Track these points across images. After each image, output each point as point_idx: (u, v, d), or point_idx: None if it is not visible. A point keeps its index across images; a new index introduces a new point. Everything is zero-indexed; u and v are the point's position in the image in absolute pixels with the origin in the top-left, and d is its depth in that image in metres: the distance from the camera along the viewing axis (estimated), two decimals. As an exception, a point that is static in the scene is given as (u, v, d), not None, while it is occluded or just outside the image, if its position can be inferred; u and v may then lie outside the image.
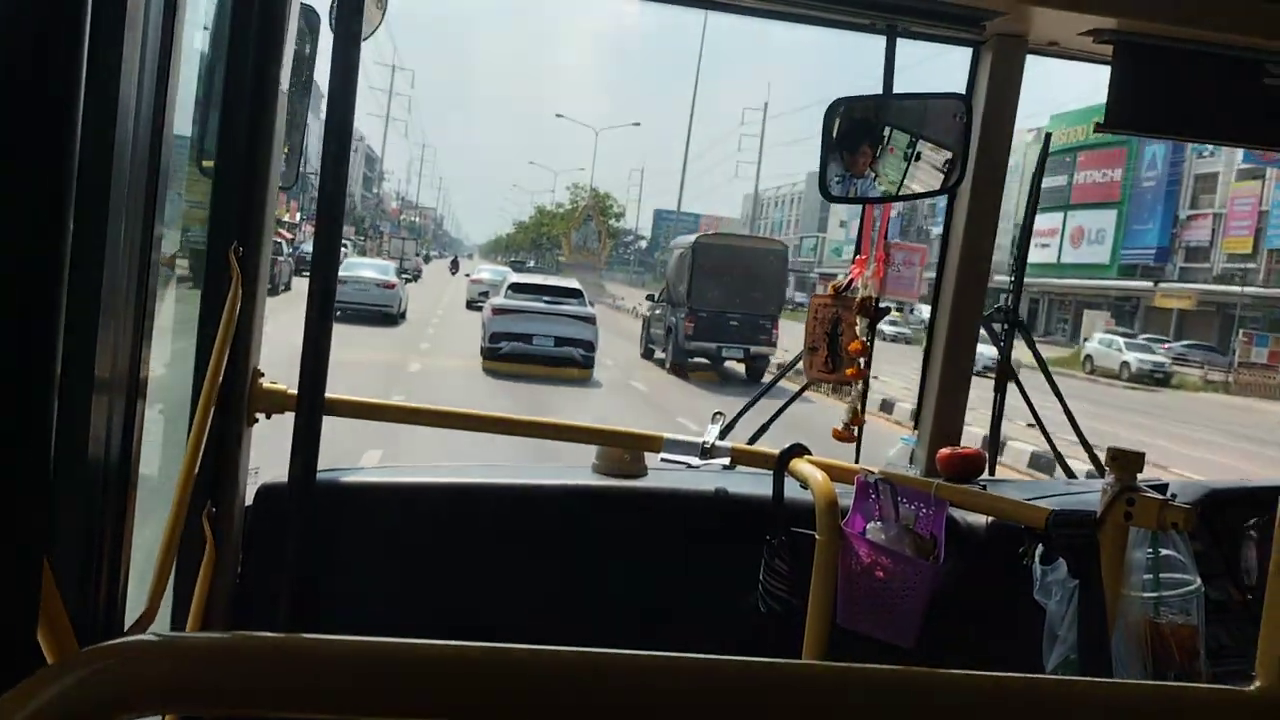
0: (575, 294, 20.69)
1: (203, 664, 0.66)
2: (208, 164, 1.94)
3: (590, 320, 19.23)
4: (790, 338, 15.37)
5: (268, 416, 2.04)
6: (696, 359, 20.41)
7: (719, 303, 19.92)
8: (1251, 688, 0.88)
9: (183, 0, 1.26)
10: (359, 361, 14.53)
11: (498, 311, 19.09)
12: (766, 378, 19.14)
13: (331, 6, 2.06)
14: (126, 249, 1.14)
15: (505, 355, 18.17)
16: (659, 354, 21.87)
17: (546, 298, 19.82)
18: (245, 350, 1.92)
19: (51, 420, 0.78)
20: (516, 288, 20.68)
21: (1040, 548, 1.97)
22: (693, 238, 22.73)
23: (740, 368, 20.64)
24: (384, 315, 24.63)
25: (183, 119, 1.49)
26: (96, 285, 1.04)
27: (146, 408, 1.30)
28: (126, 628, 1.35)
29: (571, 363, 18.38)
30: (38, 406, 0.76)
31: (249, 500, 2.10)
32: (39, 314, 0.76)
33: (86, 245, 0.98)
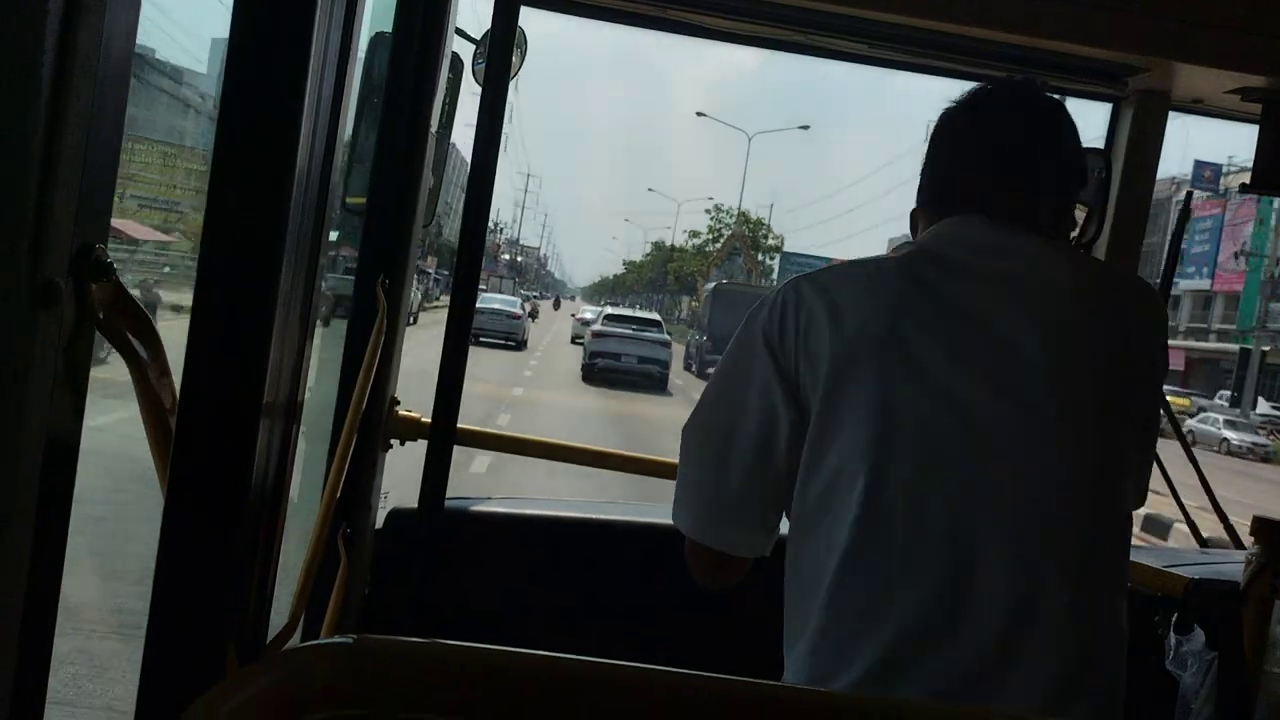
0: (655, 324, 27.41)
1: (400, 666, 0.70)
2: (352, 201, 2.04)
3: (666, 344, 25.76)
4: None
5: (402, 443, 2.11)
6: (711, 368, 25.77)
7: (729, 329, 22.64)
8: None
9: (355, 44, 1.34)
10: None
11: (596, 335, 25.42)
12: None
13: (475, 54, 2.15)
14: (295, 281, 1.21)
15: (601, 369, 24.10)
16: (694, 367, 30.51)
17: (633, 326, 26.24)
18: (385, 378, 2.00)
19: (254, 446, 0.83)
20: (610, 318, 27.60)
21: (1175, 617, 1.90)
22: (713, 284, 37.26)
23: None
24: (511, 340, 30.89)
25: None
26: (271, 315, 1.11)
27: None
28: (270, 639, 1.41)
29: (649, 376, 24.42)
30: (246, 431, 0.82)
31: (379, 523, 2.16)
32: (253, 341, 0.82)
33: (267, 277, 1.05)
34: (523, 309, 33.92)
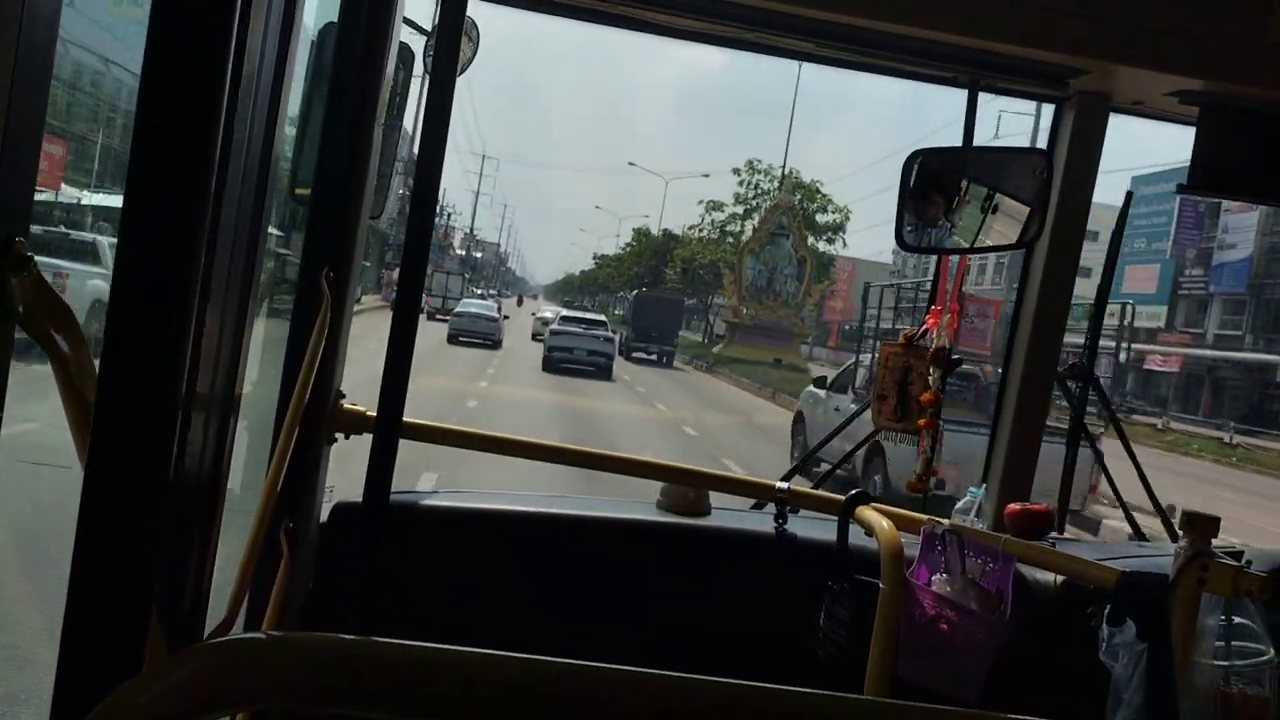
0: (602, 324, 33.86)
1: (317, 663, 0.70)
2: (300, 191, 2.02)
3: (610, 340, 32.66)
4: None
5: (346, 437, 2.10)
6: (636, 352, 39.80)
7: (645, 325, 40.26)
8: None
9: (296, 33, 1.33)
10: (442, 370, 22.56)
11: (553, 333, 32.45)
12: (683, 365, 41.07)
13: (426, 45, 2.14)
14: (232, 270, 1.20)
15: (557, 360, 30.38)
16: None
17: (584, 325, 32.78)
18: (329, 371, 1.99)
19: (174, 434, 0.83)
20: (565, 319, 34.55)
21: (1108, 609, 1.94)
22: (635, 292, 49.98)
23: (653, 358, 40.03)
24: (489, 341, 35.03)
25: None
26: (204, 304, 1.10)
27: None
28: (206, 633, 1.40)
29: (596, 365, 30.87)
30: (165, 419, 0.81)
31: (324, 517, 2.15)
32: (173, 328, 0.81)
33: (202, 265, 1.04)
34: (498, 313, 38.44)
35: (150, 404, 0.86)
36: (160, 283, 0.86)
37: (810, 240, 45.17)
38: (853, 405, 12.69)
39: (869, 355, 13.70)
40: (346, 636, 0.73)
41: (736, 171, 50.62)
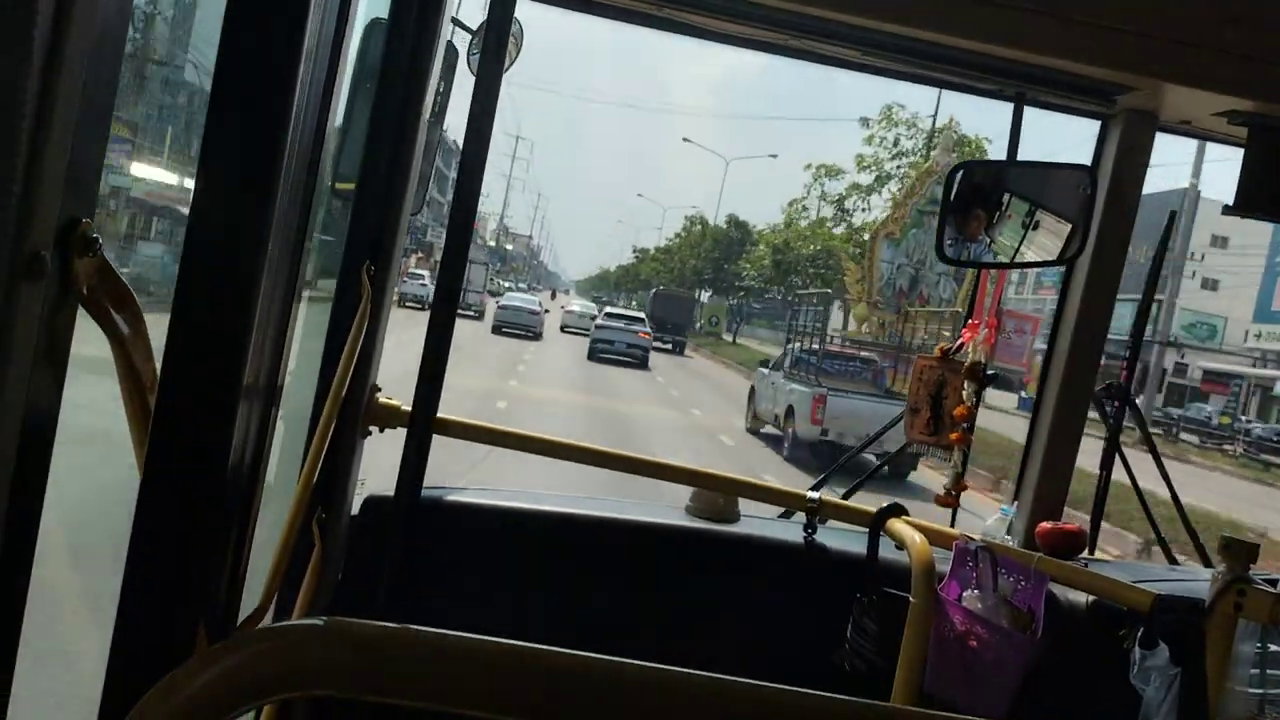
0: (640, 320, 37.96)
1: (371, 650, 0.70)
2: (341, 186, 2.04)
3: (648, 334, 36.52)
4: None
5: (381, 430, 2.11)
6: (655, 343, 40.01)
7: (663, 318, 44.27)
8: None
9: (350, 31, 1.34)
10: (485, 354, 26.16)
11: (598, 328, 36.26)
12: (693, 353, 47.15)
13: (471, 44, 2.15)
14: (279, 263, 1.21)
15: (600, 351, 33.87)
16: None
17: (624, 322, 36.81)
18: (366, 365, 2.00)
19: (233, 426, 0.84)
20: (608, 315, 38.83)
21: (1141, 631, 1.92)
22: (654, 289, 55.77)
23: (669, 346, 43.89)
24: (530, 332, 38.36)
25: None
26: (254, 298, 1.11)
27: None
28: (240, 621, 1.41)
29: (634, 357, 34.15)
30: (225, 411, 0.82)
31: (355, 510, 2.16)
32: (236, 323, 0.82)
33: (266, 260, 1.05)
34: (540, 307, 41.56)
35: (211, 396, 0.87)
36: (226, 276, 0.88)
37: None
38: (782, 379, 18.49)
39: (796, 344, 20.62)
40: (403, 625, 0.73)
41: (865, 122, 34.53)
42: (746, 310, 62.09)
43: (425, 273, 40.19)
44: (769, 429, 18.77)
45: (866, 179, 35.04)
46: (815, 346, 20.12)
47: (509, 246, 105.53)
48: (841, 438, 15.34)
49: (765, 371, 20.52)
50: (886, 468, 2.96)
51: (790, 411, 16.96)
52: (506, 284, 65.41)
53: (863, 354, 21.18)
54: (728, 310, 60.16)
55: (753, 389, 20.87)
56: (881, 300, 26.82)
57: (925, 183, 26.67)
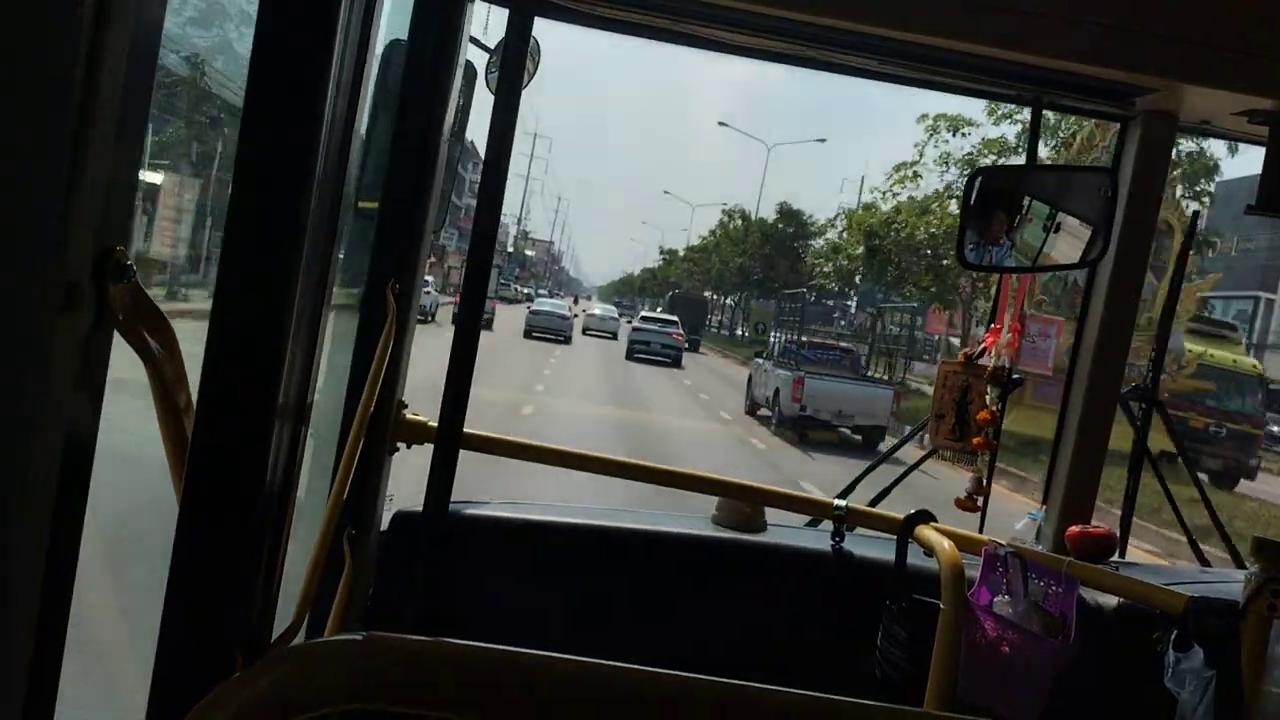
0: (674, 323, 40.25)
1: (409, 664, 0.71)
2: (363, 205, 2.06)
3: (681, 335, 39.07)
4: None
5: (408, 446, 2.12)
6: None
7: (679, 318, 43.25)
8: None
9: (372, 52, 1.36)
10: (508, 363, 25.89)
11: (635, 329, 39.42)
12: (705, 350, 49.53)
13: (489, 62, 2.17)
14: (306, 283, 1.23)
15: (636, 351, 36.55)
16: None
17: (658, 324, 39.71)
18: (392, 382, 2.01)
19: (270, 443, 0.85)
20: (644, 318, 42.48)
21: (1174, 634, 1.91)
22: (670, 292, 64.79)
23: (685, 345, 42.25)
24: (560, 336, 40.16)
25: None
26: (288, 320, 1.12)
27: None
28: (273, 639, 1.42)
29: (667, 356, 36.50)
30: (262, 429, 0.84)
31: (384, 525, 2.18)
32: (270, 342, 0.84)
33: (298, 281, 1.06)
34: (569, 312, 44.13)
35: (248, 414, 0.88)
36: (260, 300, 0.89)
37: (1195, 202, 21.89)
38: (772, 366, 21.55)
39: (783, 335, 25.64)
40: (438, 639, 0.74)
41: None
42: (806, 312, 34.84)
43: (431, 279, 39.77)
44: (764, 411, 21.94)
45: (1009, 132, 23.67)
46: (802, 339, 24.60)
47: (529, 252, 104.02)
48: (818, 413, 18.83)
49: (760, 361, 23.67)
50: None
51: (777, 393, 20.24)
52: (526, 290, 65.40)
53: (841, 344, 26.04)
54: (773, 315, 44.66)
55: (750, 376, 24.45)
56: (1048, 299, 18.54)
57: (1089, 151, 16.92)
